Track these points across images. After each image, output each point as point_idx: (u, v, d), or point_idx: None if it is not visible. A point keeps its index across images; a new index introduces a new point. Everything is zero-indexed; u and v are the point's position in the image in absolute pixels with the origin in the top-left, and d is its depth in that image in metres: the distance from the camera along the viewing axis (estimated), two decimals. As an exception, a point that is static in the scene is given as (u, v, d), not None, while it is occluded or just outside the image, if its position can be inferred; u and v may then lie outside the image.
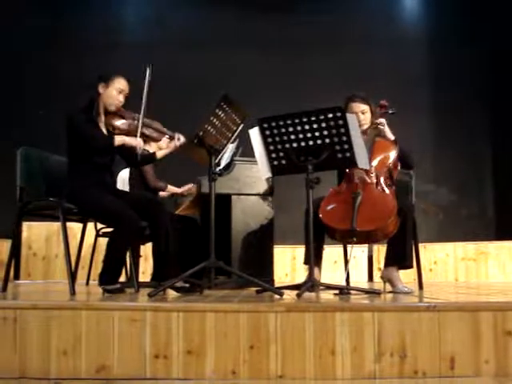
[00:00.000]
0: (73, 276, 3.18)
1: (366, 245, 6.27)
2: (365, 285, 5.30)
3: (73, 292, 2.98)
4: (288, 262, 6.38)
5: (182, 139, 3.43)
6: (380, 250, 6.22)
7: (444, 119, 7.21)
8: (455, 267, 6.29)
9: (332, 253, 5.70)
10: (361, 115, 3.58)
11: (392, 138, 3.54)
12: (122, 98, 3.37)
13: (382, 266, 6.12)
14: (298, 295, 2.67)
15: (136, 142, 3.32)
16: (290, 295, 2.87)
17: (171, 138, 3.44)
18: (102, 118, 3.37)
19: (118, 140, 3.26)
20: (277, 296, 2.79)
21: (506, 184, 6.96)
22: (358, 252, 6.35)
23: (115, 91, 3.34)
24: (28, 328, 2.23)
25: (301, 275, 6.06)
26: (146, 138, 3.44)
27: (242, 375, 2.17)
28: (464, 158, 7.17)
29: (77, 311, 2.23)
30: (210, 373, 2.17)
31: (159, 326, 2.21)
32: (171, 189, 4.83)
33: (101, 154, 3.33)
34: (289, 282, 5.85)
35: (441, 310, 2.22)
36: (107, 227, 4.05)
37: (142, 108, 3.32)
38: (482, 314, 2.22)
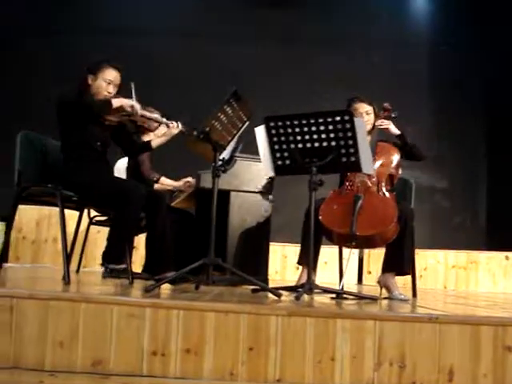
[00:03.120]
0: (68, 264, 3.13)
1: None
2: (354, 287, 5.30)
3: (68, 281, 2.94)
4: (278, 260, 6.35)
5: (181, 127, 3.39)
6: (371, 253, 6.21)
7: (438, 127, 7.23)
8: (445, 275, 6.30)
9: (323, 253, 5.68)
10: (365, 116, 3.57)
11: (398, 132, 3.53)
12: (111, 89, 3.27)
13: (371, 268, 6.18)
14: (297, 298, 2.65)
15: (134, 102, 3.19)
16: (284, 295, 2.85)
17: (168, 126, 3.40)
18: None
19: (116, 101, 3.15)
20: (273, 296, 2.77)
21: (499, 194, 6.99)
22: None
23: (104, 82, 3.25)
24: (24, 317, 2.19)
25: (291, 273, 6.05)
26: (143, 124, 3.39)
27: (240, 377, 2.15)
28: (458, 166, 7.20)
29: (75, 303, 2.20)
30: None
31: (158, 322, 2.18)
32: (165, 181, 4.71)
33: (96, 117, 3.22)
34: (279, 280, 5.84)
35: (442, 321, 2.21)
36: (104, 212, 4.02)
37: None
38: (483, 328, 2.21)
